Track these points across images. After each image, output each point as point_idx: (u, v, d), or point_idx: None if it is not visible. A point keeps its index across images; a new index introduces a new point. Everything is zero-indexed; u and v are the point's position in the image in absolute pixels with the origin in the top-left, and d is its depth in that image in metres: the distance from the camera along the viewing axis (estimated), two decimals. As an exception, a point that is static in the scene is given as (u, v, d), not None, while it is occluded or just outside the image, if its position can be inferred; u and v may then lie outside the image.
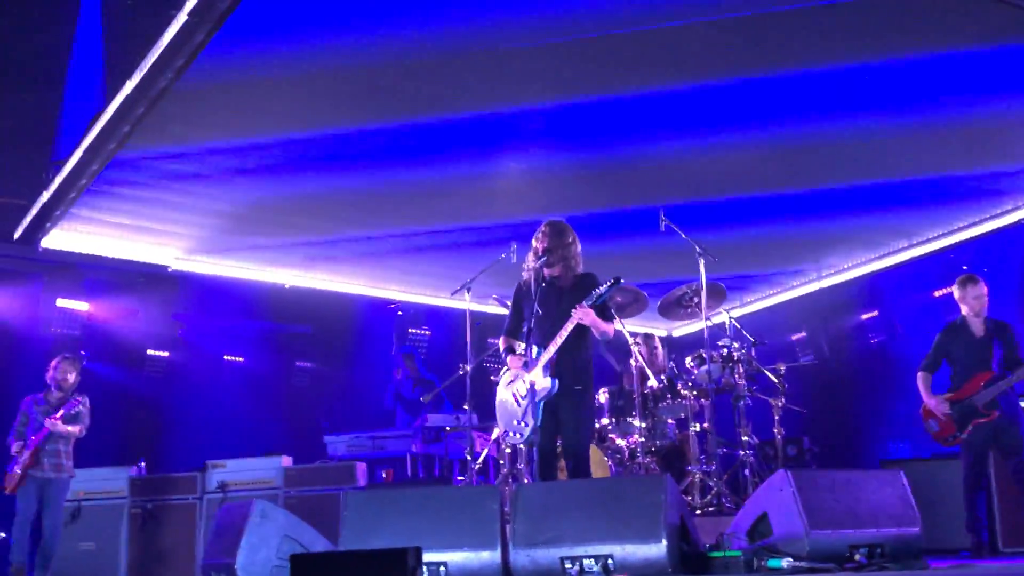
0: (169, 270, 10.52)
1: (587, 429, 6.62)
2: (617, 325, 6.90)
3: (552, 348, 6.30)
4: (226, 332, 12.42)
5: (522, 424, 6.37)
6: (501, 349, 6.76)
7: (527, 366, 6.39)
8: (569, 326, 6.27)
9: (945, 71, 7.42)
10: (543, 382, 6.31)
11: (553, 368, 6.31)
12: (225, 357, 12.64)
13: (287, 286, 11.25)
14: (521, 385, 6.42)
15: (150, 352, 11.72)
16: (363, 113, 7.83)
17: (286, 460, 9.52)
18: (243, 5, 6.06)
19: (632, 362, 8.58)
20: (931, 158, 8.88)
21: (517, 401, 6.43)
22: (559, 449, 6.59)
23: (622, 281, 6.40)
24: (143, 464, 9.67)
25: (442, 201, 9.46)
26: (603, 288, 6.29)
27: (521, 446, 8.12)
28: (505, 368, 6.70)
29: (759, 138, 8.42)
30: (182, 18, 6.02)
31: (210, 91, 7.16)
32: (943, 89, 7.70)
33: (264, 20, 6.42)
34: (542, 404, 6.33)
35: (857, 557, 5.32)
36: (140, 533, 9.26)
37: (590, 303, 6.26)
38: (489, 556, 5.41)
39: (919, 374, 7.68)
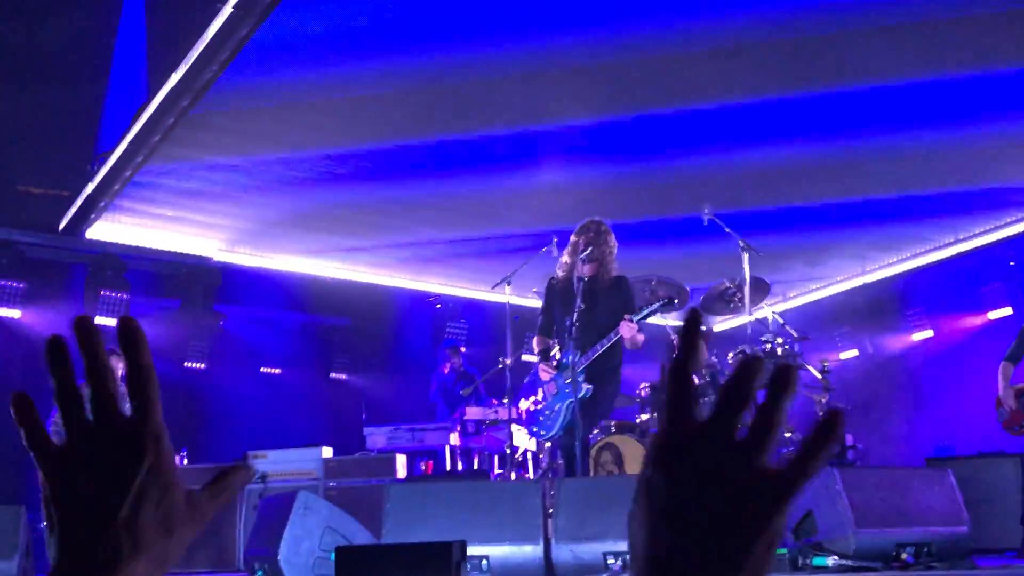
0: (212, 261, 10.58)
1: (590, 430, 6.74)
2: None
3: (597, 348, 6.35)
4: (267, 323, 12.48)
5: (548, 423, 6.41)
6: (536, 350, 6.78)
7: (560, 369, 6.40)
8: (614, 338, 6.31)
9: (996, 86, 7.42)
10: (577, 387, 6.37)
11: (587, 373, 6.38)
12: (266, 348, 12.70)
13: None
14: (552, 386, 6.45)
15: (192, 343, 11.80)
16: (408, 130, 8.00)
17: (326, 451, 9.54)
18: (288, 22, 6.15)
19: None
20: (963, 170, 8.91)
21: (545, 399, 6.47)
22: (604, 443, 6.62)
23: (675, 302, 6.47)
24: (184, 455, 9.72)
25: (485, 210, 9.55)
26: (654, 306, 6.41)
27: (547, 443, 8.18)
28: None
29: (797, 150, 8.52)
30: (227, 10, 6.03)
31: (265, 110, 7.35)
32: (973, 106, 7.72)
33: (312, 39, 6.52)
34: (571, 406, 6.35)
35: (904, 556, 5.25)
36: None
37: (637, 318, 6.28)
38: (532, 550, 5.39)
39: (1001, 364, 7.60)
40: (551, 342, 6.72)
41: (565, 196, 9.25)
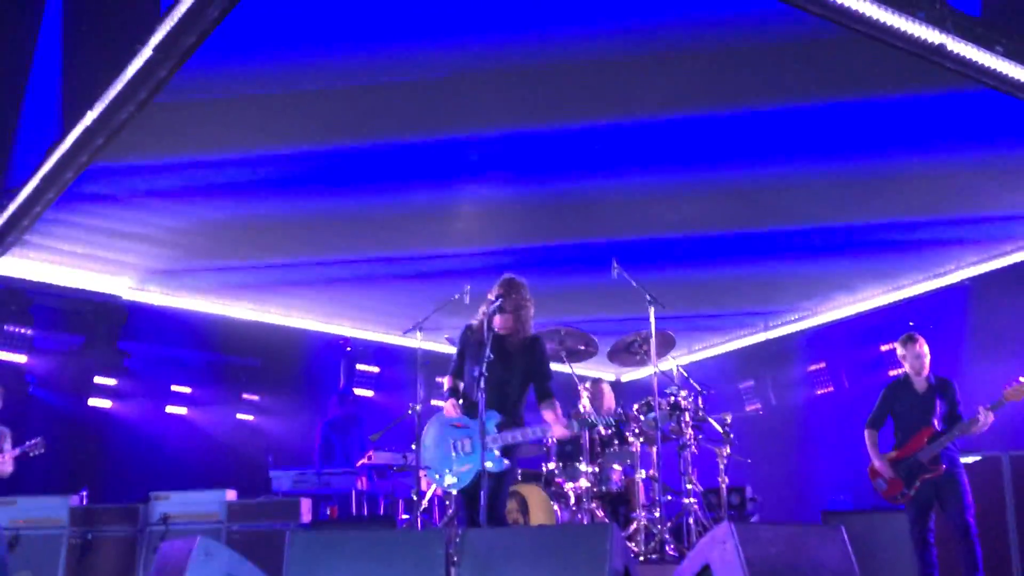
0: (120, 299, 10.44)
1: (507, 493, 6.85)
2: (566, 369, 6.99)
3: (518, 436, 6.46)
4: (174, 362, 12.33)
5: (453, 478, 6.47)
6: (446, 388, 6.83)
7: (473, 427, 6.45)
8: (542, 434, 6.53)
9: (900, 118, 7.50)
10: (496, 461, 6.42)
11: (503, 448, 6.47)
12: (172, 387, 12.54)
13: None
14: (467, 442, 6.49)
15: (96, 381, 11.59)
16: (317, 135, 7.76)
17: (230, 494, 9.43)
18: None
19: (580, 406, 8.66)
20: (881, 205, 8.97)
21: (455, 451, 6.52)
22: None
23: (612, 428, 6.69)
24: (85, 494, 9.54)
25: (396, 228, 9.38)
26: (598, 421, 6.85)
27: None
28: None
29: (713, 178, 8.47)
30: (147, 53, 6.02)
31: (166, 109, 7.03)
32: (897, 137, 7.78)
33: (222, 42, 6.34)
34: (477, 472, 6.40)
35: (796, 612, 5.38)
36: (79, 564, 9.11)
37: (573, 430, 6.58)
38: (433, 602, 5.41)
39: (866, 431, 7.81)
40: (461, 385, 6.77)
41: (479, 217, 9.23)
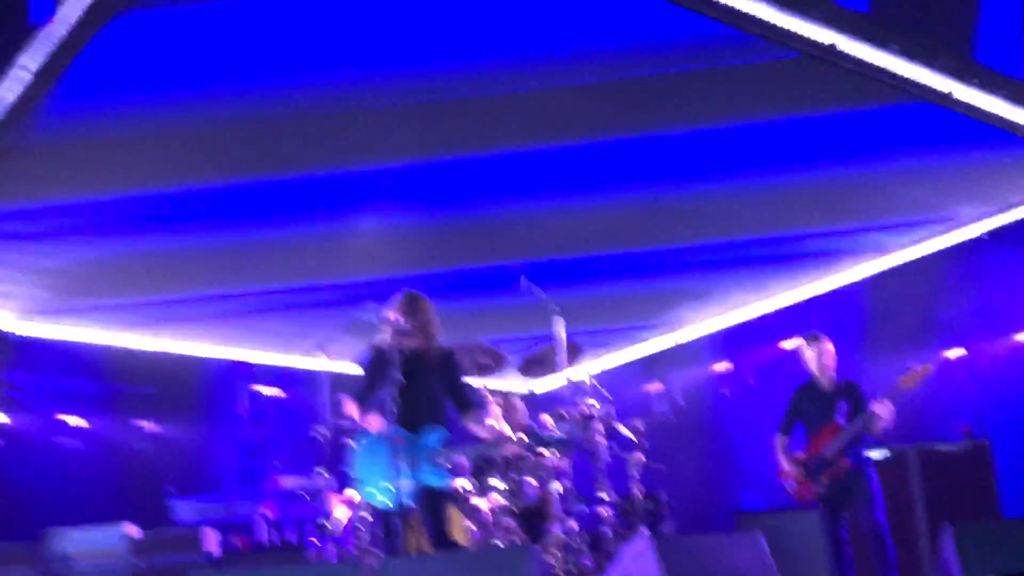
0: (2, 332, 10.04)
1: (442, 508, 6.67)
2: (477, 384, 6.91)
3: (472, 455, 6.57)
4: (63, 394, 11.86)
5: (394, 495, 6.22)
6: (354, 415, 6.63)
7: (414, 443, 6.30)
8: (491, 451, 6.65)
9: (790, 135, 7.67)
10: (437, 479, 6.33)
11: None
12: (62, 419, 12.05)
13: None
14: (407, 459, 6.26)
15: (-21, 416, 11.09)
16: (213, 171, 7.60)
17: (130, 528, 9.08)
18: (81, 58, 5.84)
19: (492, 423, 8.52)
20: (778, 218, 9.19)
21: (394, 469, 6.26)
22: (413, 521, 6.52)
23: (568, 443, 7.21)
24: (-29, 533, 9.10)
25: (296, 259, 9.28)
26: (548, 437, 7.12)
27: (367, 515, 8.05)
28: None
29: (615, 198, 8.57)
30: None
31: (47, 148, 6.84)
32: (790, 153, 7.96)
33: (104, 76, 6.18)
34: (419, 488, 6.29)
35: (720, 622, 5.35)
36: (-30, 612, 8.68)
37: (522, 447, 6.84)
38: (351, 638, 5.24)
39: (775, 436, 7.85)
40: (368, 408, 6.58)
41: (380, 244, 9.14)
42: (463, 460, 6.41)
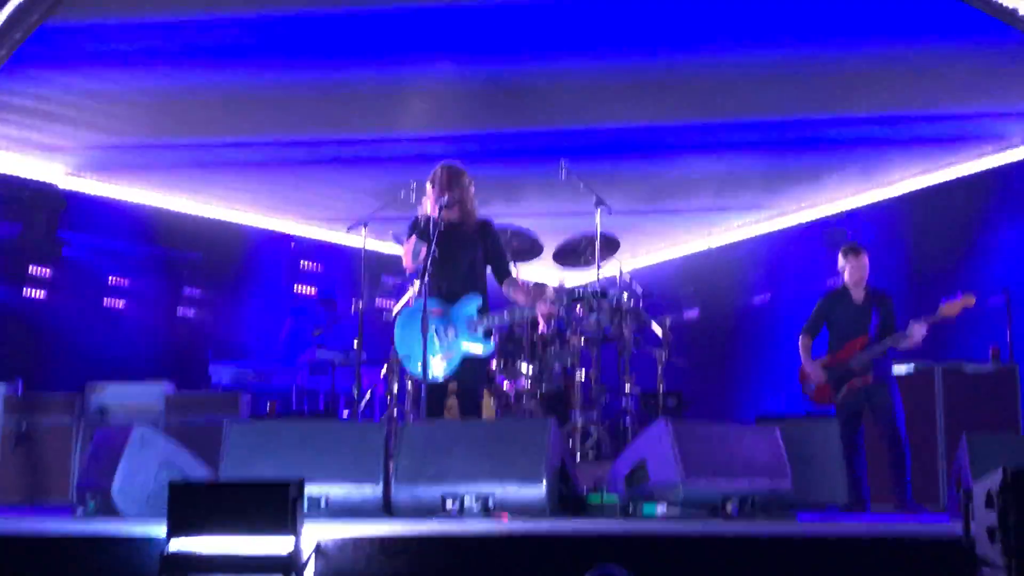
0: (57, 187, 10.21)
1: (485, 376, 6.89)
2: (512, 270, 6.97)
3: (504, 317, 6.50)
4: (112, 253, 12.10)
5: (440, 368, 6.37)
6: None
7: (454, 312, 6.43)
8: (541, 311, 6.46)
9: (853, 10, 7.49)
10: (479, 345, 6.41)
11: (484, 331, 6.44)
12: (110, 279, 12.33)
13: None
14: (451, 330, 6.42)
15: (32, 269, 11.36)
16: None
17: (168, 387, 9.38)
18: None
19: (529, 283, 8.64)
20: (834, 101, 8.93)
21: (440, 340, 6.40)
22: (451, 388, 6.67)
23: (606, 295, 6.99)
24: (20, 383, 9.43)
25: (344, 107, 9.17)
26: (578, 289, 6.72)
27: (408, 380, 8.23)
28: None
29: (661, 63, 8.36)
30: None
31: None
32: (853, 29, 7.73)
33: None
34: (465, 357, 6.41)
35: (729, 507, 5.50)
36: (12, 455, 9.04)
37: (562, 303, 6.54)
38: (371, 490, 5.44)
39: (800, 337, 7.91)
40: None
41: (427, 98, 9.05)
42: (500, 323, 6.47)
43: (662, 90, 8.75)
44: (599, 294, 6.83)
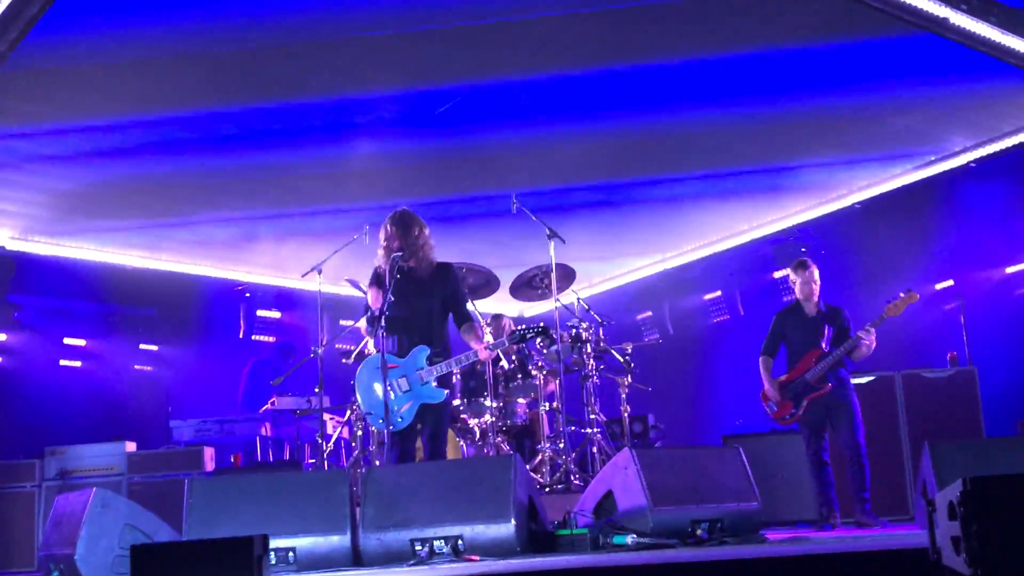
0: (4, 250, 10.10)
1: (448, 418, 6.87)
2: (470, 306, 6.98)
3: (451, 365, 6.52)
4: (66, 314, 11.96)
5: (398, 418, 6.37)
6: (367, 336, 6.81)
7: (406, 365, 6.47)
8: (482, 356, 6.56)
9: (784, 66, 7.77)
10: (434, 393, 6.47)
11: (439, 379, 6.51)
12: (65, 340, 12.17)
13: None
14: (403, 380, 6.44)
15: (-15, 337, 11.21)
16: (212, 96, 7.70)
17: (130, 445, 9.27)
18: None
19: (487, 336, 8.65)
20: (770, 148, 9.28)
21: (395, 392, 6.42)
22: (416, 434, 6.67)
23: (549, 332, 7.02)
24: (-22, 452, 9.28)
25: (294, 184, 9.36)
26: (525, 331, 6.77)
27: (373, 429, 8.19)
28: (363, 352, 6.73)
29: (607, 127, 8.62)
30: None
31: (55, 71, 6.95)
32: (788, 82, 8.05)
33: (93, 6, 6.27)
34: (419, 406, 6.45)
35: (699, 532, 5.48)
36: (-26, 523, 8.88)
37: (501, 348, 6.80)
38: (339, 540, 5.40)
39: (760, 358, 7.97)
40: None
41: (376, 171, 9.19)
42: (447, 370, 6.48)
43: (612, 149, 9.08)
44: (539, 330, 6.85)
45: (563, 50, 7.40)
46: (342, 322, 10.58)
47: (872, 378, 8.59)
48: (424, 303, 6.56)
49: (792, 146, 9.24)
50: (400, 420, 6.40)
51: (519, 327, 6.92)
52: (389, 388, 6.34)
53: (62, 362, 12.11)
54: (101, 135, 8.12)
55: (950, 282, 10.20)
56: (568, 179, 9.60)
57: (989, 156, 9.31)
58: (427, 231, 6.64)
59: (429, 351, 6.48)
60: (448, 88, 7.85)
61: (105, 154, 8.48)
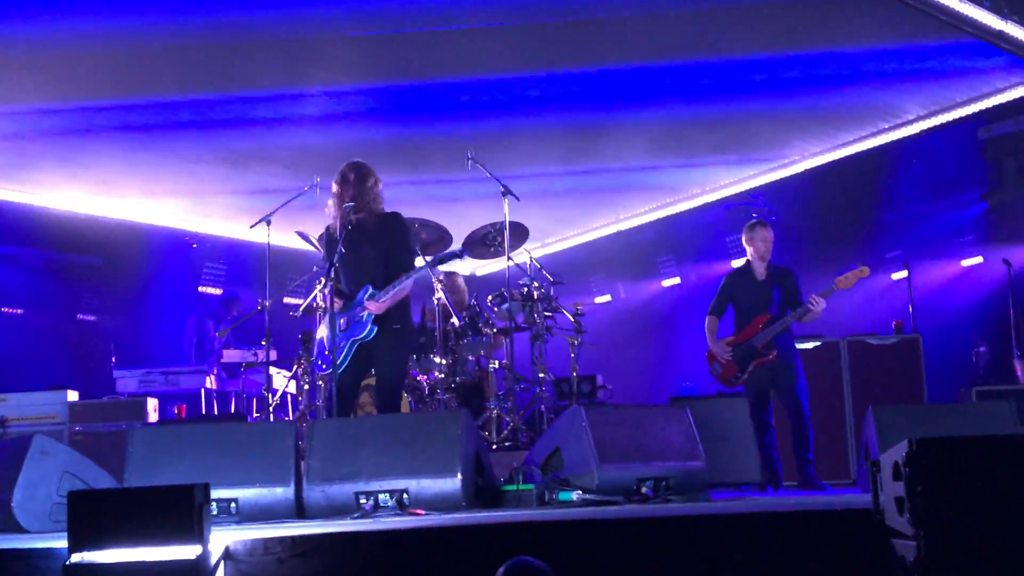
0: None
1: (402, 367, 6.86)
2: (420, 262, 6.91)
3: (389, 293, 6.42)
4: (7, 261, 11.74)
5: (334, 357, 6.33)
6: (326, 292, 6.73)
7: (349, 306, 6.49)
8: (406, 280, 6.46)
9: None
10: (360, 326, 6.46)
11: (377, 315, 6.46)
12: (6, 287, 11.96)
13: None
14: (342, 321, 6.49)
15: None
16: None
17: (71, 394, 9.13)
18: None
19: (435, 299, 8.59)
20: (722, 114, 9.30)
21: (336, 335, 6.39)
22: (363, 385, 6.61)
23: (465, 256, 6.64)
24: (-87, 398, 9.08)
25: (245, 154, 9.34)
26: (445, 253, 6.80)
27: (320, 383, 8.12)
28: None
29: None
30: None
31: None
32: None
33: None
34: (356, 344, 6.44)
35: (644, 490, 5.49)
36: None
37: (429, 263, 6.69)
38: (282, 492, 5.33)
39: (706, 318, 7.99)
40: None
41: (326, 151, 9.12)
42: (382, 298, 6.41)
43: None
44: (457, 253, 6.92)
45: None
46: (291, 275, 10.43)
47: (818, 344, 8.66)
48: (371, 251, 6.55)
49: (743, 113, 9.25)
50: (331, 359, 6.34)
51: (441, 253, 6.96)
52: (330, 332, 6.33)
53: (3, 308, 11.91)
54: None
55: (898, 251, 10.30)
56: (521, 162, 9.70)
57: (941, 126, 9.37)
58: (379, 184, 6.60)
59: (371, 289, 6.46)
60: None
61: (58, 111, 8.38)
